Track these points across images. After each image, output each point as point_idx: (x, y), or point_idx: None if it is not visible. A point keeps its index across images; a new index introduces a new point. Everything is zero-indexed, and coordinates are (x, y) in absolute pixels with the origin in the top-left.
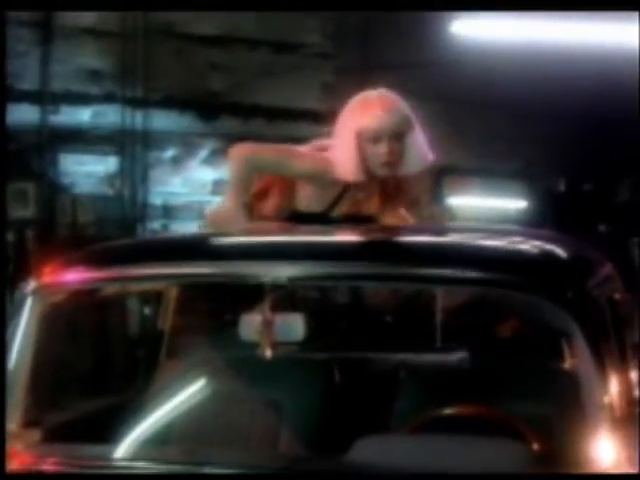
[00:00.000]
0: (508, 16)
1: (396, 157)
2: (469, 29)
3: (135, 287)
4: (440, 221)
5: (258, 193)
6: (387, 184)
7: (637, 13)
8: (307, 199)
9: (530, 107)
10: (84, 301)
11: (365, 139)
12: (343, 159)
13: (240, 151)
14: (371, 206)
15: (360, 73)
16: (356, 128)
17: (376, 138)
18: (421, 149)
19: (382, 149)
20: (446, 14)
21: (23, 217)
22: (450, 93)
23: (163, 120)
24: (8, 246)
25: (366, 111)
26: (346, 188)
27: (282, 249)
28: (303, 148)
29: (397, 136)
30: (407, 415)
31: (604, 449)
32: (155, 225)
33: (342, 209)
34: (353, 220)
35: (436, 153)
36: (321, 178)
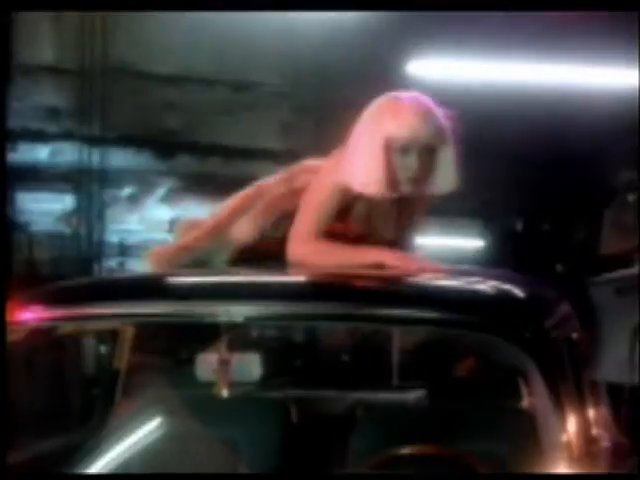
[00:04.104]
0: (464, 57)
1: (426, 173)
2: (425, 70)
3: (91, 326)
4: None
5: (235, 209)
6: (406, 205)
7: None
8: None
9: (487, 147)
10: (40, 340)
11: (393, 148)
12: (366, 168)
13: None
14: (386, 230)
15: (317, 112)
16: (384, 134)
17: (405, 149)
18: (454, 167)
19: (411, 162)
20: (402, 54)
21: None
22: None
23: (120, 158)
24: None
25: (397, 116)
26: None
27: (239, 289)
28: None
29: (429, 149)
30: (364, 454)
31: None
32: (112, 263)
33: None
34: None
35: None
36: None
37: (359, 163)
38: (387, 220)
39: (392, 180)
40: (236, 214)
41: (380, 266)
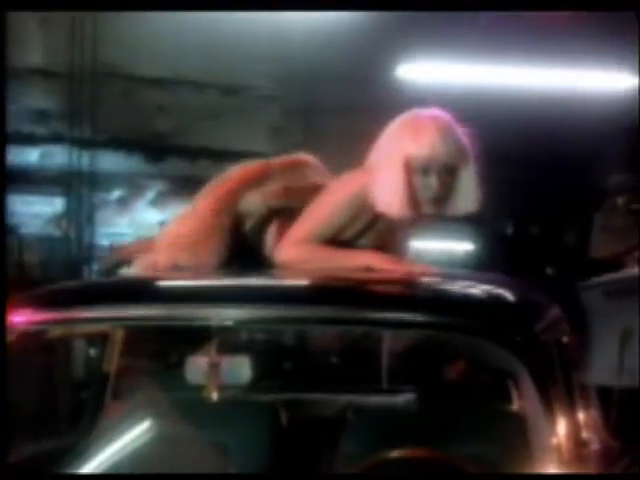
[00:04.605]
0: (455, 60)
1: (446, 193)
2: (416, 73)
3: (81, 329)
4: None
5: (243, 183)
6: (419, 221)
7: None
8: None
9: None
10: (30, 343)
11: (413, 168)
12: (388, 189)
13: None
14: (397, 242)
15: (307, 116)
16: (404, 154)
17: (426, 169)
18: (474, 187)
19: (431, 182)
20: (394, 57)
21: None
22: None
23: (110, 161)
24: None
25: (418, 135)
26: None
27: (229, 292)
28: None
29: (449, 169)
30: (354, 457)
31: None
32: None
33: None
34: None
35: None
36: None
37: (381, 183)
38: (400, 234)
39: (413, 201)
40: (244, 188)
41: (369, 269)
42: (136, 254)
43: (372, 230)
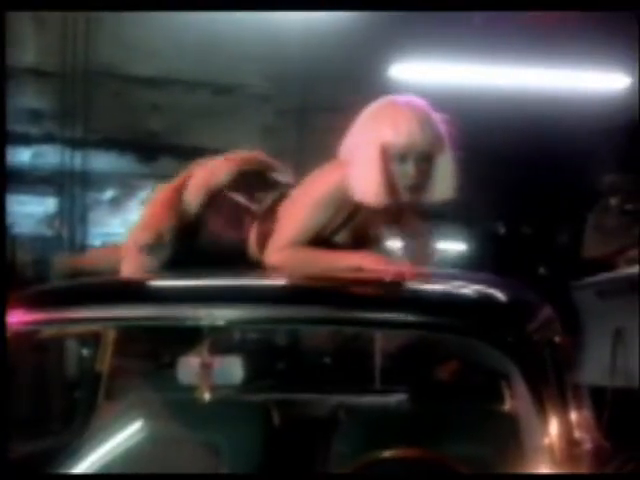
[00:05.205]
0: (447, 60)
1: (423, 181)
2: (407, 73)
3: (74, 329)
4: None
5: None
6: (407, 212)
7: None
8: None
9: (468, 150)
10: (23, 343)
11: (391, 156)
12: (365, 177)
13: None
14: (374, 232)
15: (300, 115)
16: (381, 141)
17: (403, 156)
18: (452, 174)
19: (409, 170)
20: (387, 57)
21: None
22: None
23: (102, 161)
24: None
25: (395, 122)
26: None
27: (221, 292)
28: None
29: (426, 156)
30: (347, 457)
31: None
32: None
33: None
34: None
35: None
36: None
37: (357, 171)
38: (381, 226)
39: (391, 188)
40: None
41: (360, 270)
42: (104, 259)
43: (352, 222)
